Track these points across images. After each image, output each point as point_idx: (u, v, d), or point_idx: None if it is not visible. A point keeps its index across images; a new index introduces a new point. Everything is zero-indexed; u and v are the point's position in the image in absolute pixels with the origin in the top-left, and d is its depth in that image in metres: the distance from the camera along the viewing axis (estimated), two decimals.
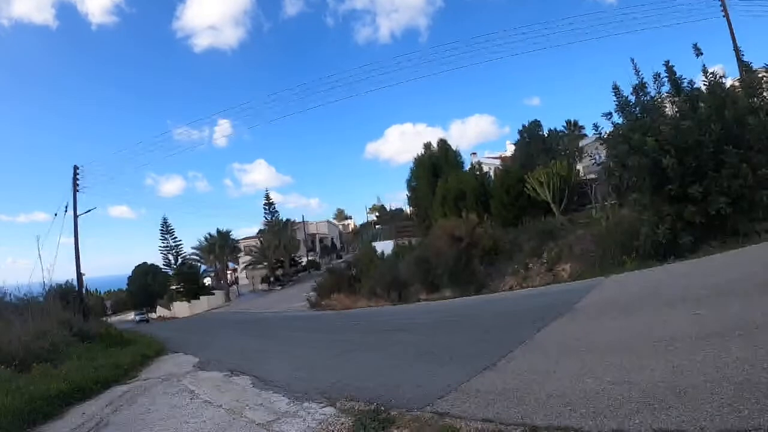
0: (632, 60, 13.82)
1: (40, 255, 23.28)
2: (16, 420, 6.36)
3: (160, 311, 57.71)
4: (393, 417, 4.61)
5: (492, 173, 31.40)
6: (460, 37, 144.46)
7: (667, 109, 13.46)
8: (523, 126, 31.42)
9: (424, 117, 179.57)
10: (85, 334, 13.72)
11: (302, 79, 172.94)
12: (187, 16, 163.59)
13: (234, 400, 6.54)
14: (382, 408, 4.94)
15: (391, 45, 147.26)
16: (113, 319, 43.56)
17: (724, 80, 13.51)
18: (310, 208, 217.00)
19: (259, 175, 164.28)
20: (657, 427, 3.22)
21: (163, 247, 57.72)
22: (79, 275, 26.40)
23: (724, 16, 24.24)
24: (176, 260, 57.91)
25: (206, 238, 58.23)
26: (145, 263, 68.17)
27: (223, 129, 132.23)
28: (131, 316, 56.06)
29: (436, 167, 34.31)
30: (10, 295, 15.92)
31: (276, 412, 5.59)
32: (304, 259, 61.77)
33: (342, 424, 4.76)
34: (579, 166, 28.13)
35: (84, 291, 28.83)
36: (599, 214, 19.22)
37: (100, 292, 74.99)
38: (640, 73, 13.67)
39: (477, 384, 5.18)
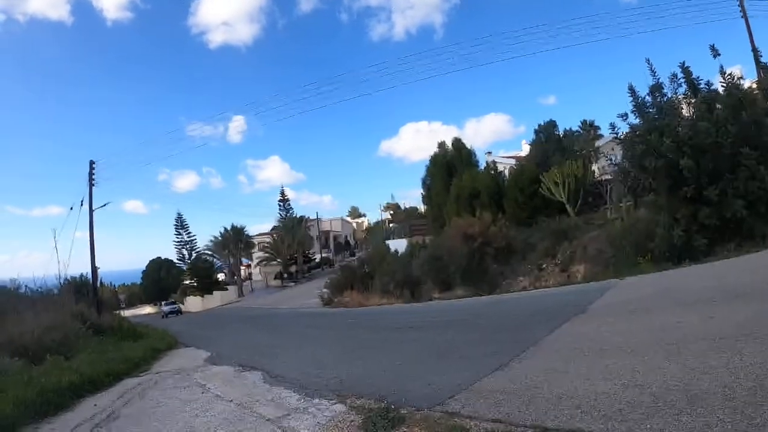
0: (648, 61, 13.72)
1: (56, 248, 23.74)
2: (28, 411, 6.43)
3: None
4: (403, 415, 4.61)
5: (507, 172, 31.24)
6: (476, 34, 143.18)
7: (683, 111, 13.33)
8: (539, 125, 31.15)
9: (439, 115, 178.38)
10: (98, 327, 13.92)
11: (316, 75, 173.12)
12: (202, 12, 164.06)
13: (244, 395, 6.58)
14: (392, 406, 4.94)
15: (406, 42, 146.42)
16: (127, 312, 44.10)
17: (741, 81, 13.34)
18: (323, 205, 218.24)
19: (273, 171, 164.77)
20: None
21: (178, 242, 58.57)
22: (94, 269, 26.68)
23: (742, 17, 23.87)
24: (190, 255, 58.66)
25: (220, 234, 58.57)
26: (159, 258, 68.80)
27: (237, 125, 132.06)
28: (146, 309, 56.58)
29: (450, 166, 34.20)
30: (24, 287, 16.19)
31: (286, 407, 5.61)
32: (318, 256, 61.76)
33: (352, 421, 4.76)
34: (594, 167, 27.90)
35: (98, 284, 29.13)
36: (614, 215, 19.06)
37: (114, 286, 75.70)
38: (656, 74, 13.57)
39: (488, 384, 5.16)
